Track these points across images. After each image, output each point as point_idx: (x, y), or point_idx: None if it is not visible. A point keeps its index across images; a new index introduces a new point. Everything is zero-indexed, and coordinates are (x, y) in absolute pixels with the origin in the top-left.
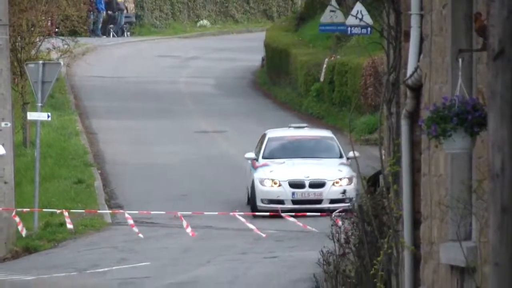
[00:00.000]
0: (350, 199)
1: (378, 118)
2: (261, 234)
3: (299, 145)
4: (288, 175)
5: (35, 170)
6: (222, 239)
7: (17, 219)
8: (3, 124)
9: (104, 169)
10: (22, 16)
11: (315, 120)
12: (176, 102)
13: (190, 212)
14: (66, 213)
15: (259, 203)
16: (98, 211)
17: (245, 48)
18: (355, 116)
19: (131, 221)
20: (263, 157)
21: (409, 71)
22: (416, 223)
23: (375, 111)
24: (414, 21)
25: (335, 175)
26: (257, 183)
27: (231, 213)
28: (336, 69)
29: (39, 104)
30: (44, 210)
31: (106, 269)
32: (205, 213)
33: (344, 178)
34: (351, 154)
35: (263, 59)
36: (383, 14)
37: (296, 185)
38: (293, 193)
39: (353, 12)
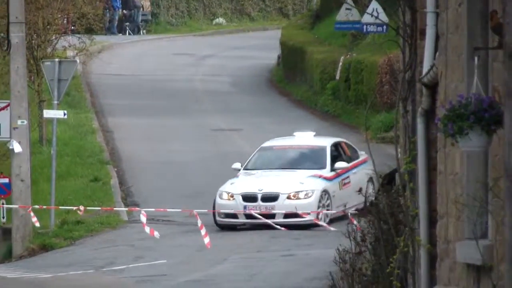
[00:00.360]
0: (308, 213)
1: (394, 116)
2: (280, 228)
3: (285, 155)
4: (243, 188)
5: (51, 168)
6: (238, 237)
7: (31, 214)
8: (19, 122)
9: (120, 167)
10: (38, 14)
11: (331, 118)
12: (192, 100)
13: (206, 210)
14: (81, 207)
15: (217, 217)
16: (115, 208)
17: (261, 46)
18: (371, 114)
19: (144, 219)
20: (245, 168)
21: (425, 69)
22: (432, 221)
23: (391, 109)
24: (430, 19)
25: (292, 188)
26: (217, 195)
27: (247, 211)
28: (352, 67)
29: (55, 102)
30: (60, 207)
31: (122, 267)
32: (221, 210)
33: (302, 191)
34: (338, 165)
35: (278, 57)
36: (399, 12)
37: (248, 198)
38: (244, 207)
39: (369, 10)
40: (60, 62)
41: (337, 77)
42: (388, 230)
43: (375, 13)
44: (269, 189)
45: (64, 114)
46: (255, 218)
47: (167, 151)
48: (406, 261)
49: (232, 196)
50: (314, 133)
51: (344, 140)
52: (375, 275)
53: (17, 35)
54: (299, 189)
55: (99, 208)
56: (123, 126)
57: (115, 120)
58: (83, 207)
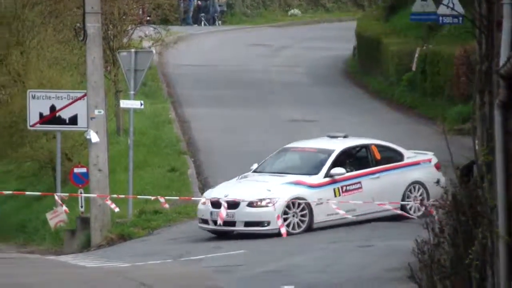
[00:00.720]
0: (268, 223)
1: (471, 108)
2: (350, 217)
3: (291, 158)
4: (214, 193)
5: (128, 158)
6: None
7: (108, 202)
8: (96, 112)
9: (197, 157)
10: (113, 4)
11: (407, 110)
12: (267, 90)
13: (283, 201)
14: (162, 200)
15: (198, 223)
16: (192, 198)
17: (336, 37)
18: (448, 106)
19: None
20: (255, 171)
21: (502, 60)
22: (511, 213)
23: (468, 100)
24: (507, 11)
25: (254, 196)
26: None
27: (325, 202)
28: (428, 58)
29: (132, 92)
30: (138, 197)
31: (200, 256)
32: (298, 201)
33: (265, 199)
34: (334, 171)
35: (354, 48)
36: (475, 4)
37: (215, 204)
38: (211, 213)
39: (445, 1)
40: (136, 52)
41: (413, 68)
42: (467, 222)
43: (450, 4)
44: (233, 195)
45: (141, 104)
46: (221, 225)
47: (243, 141)
48: (484, 252)
49: (205, 202)
50: (343, 134)
51: (378, 143)
52: (453, 266)
53: (93, 26)
54: (262, 197)
55: (177, 197)
56: (199, 116)
57: (192, 110)
58: (164, 199)
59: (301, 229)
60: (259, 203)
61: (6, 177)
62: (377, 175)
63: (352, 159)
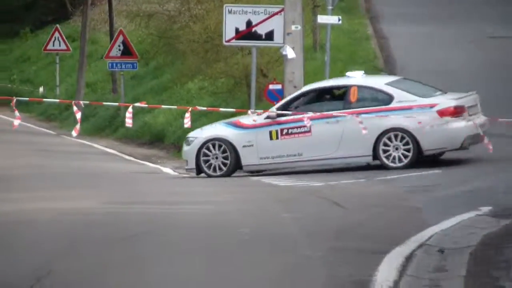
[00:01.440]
0: (187, 162)
1: None
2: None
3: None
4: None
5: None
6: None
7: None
8: (293, 27)
9: (394, 74)
10: None
11: None
12: (467, 7)
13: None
14: (358, 118)
15: None
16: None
17: None
18: None
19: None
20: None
21: None
22: None
23: None
24: None
25: (190, 134)
26: None
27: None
28: None
29: (330, 8)
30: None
31: (394, 176)
32: (499, 119)
33: (189, 138)
34: (270, 113)
35: None
36: None
37: None
38: None
39: None
40: None
41: None
42: None
43: None
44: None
45: (339, 20)
46: None
47: (442, 59)
48: None
49: None
50: (361, 72)
51: (364, 84)
52: None
53: None
54: (191, 136)
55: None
56: (398, 33)
57: (390, 27)
58: (360, 117)
59: (222, 172)
60: (187, 141)
61: (201, 93)
62: (335, 119)
63: (325, 100)
